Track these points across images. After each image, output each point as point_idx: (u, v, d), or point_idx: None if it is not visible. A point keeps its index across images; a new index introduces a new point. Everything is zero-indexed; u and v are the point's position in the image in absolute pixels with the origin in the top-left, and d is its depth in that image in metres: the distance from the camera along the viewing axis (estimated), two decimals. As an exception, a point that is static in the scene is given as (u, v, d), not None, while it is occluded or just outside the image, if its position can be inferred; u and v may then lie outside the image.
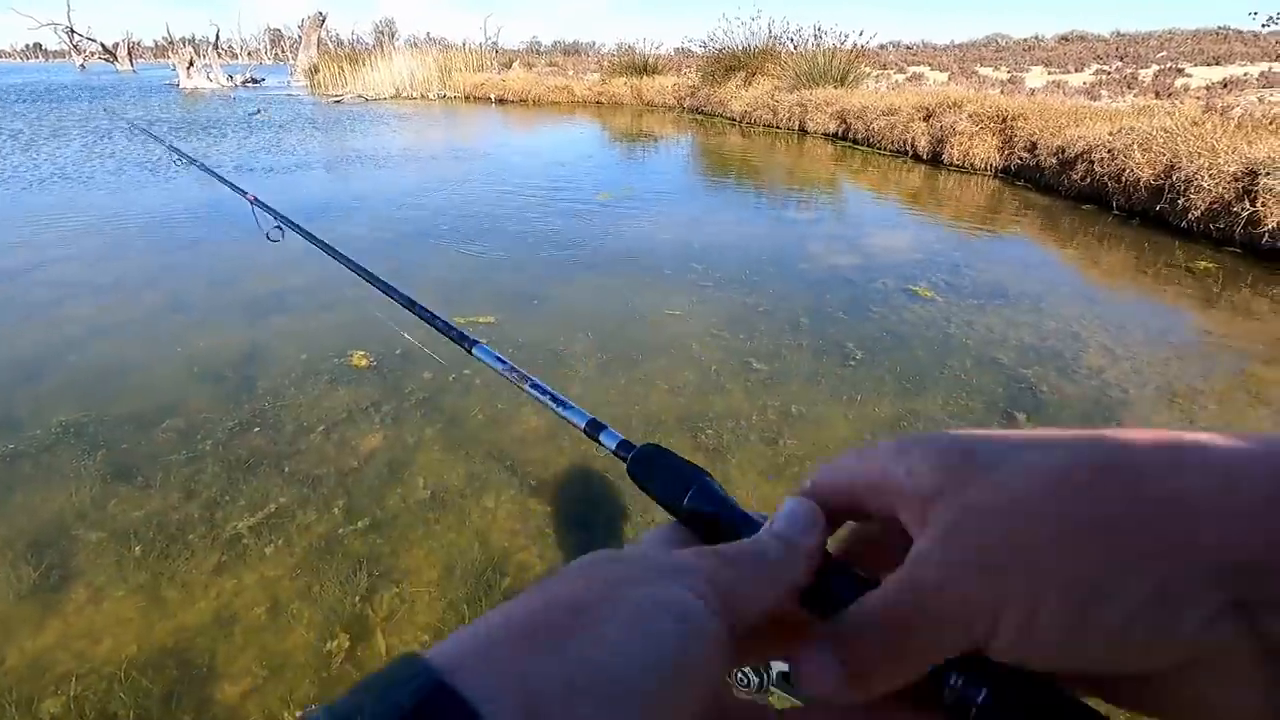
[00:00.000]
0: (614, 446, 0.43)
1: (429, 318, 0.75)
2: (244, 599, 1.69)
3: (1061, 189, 6.38)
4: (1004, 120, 7.45)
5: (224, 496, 2.05)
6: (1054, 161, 6.47)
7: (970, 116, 7.70)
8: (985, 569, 0.21)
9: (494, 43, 26.66)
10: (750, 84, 13.29)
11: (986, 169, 7.55)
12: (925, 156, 8.33)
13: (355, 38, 29.88)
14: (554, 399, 0.51)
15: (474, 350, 0.68)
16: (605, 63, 20.88)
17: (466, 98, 19.08)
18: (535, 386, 0.54)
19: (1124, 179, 5.52)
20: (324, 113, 14.83)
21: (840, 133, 10.34)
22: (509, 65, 22.29)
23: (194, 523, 1.94)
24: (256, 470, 2.17)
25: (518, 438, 2.39)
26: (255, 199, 1.46)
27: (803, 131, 11.20)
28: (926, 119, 8.44)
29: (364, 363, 2.87)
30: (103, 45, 39.30)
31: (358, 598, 1.70)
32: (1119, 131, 5.80)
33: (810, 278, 4.14)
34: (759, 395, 2.68)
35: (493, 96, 18.51)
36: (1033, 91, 13.00)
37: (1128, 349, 3.12)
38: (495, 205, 5.99)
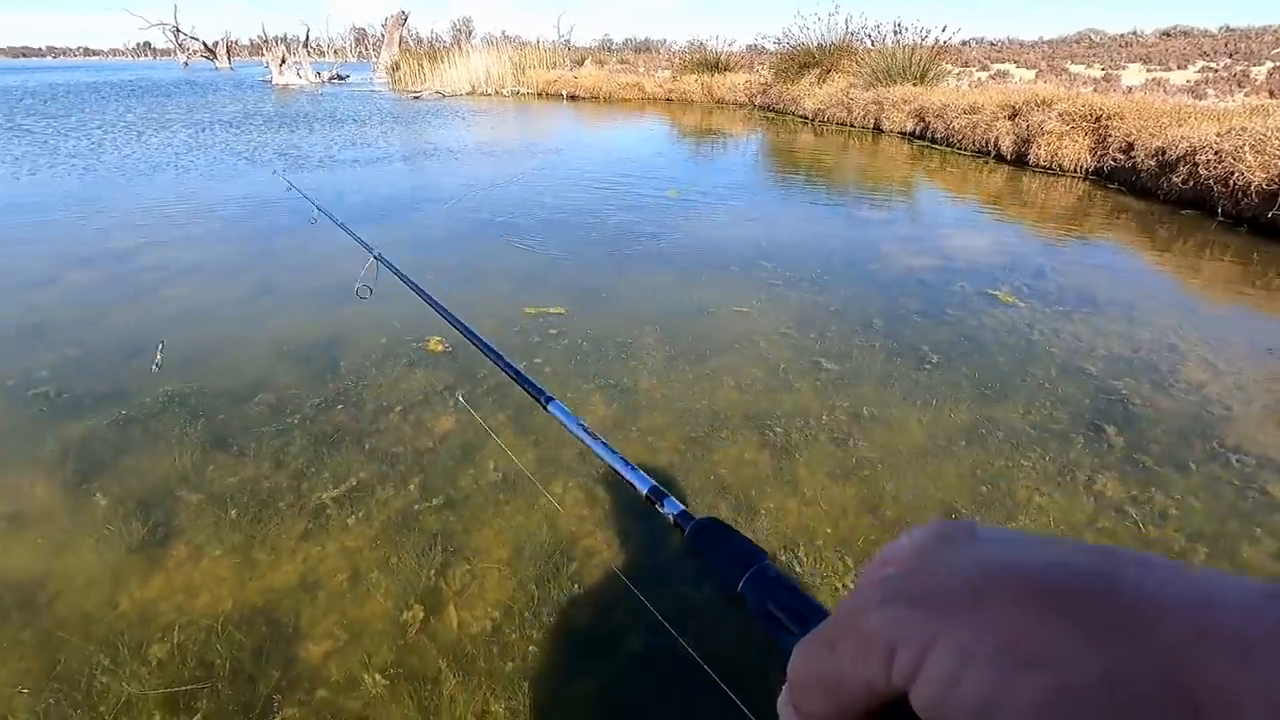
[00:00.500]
0: (674, 515, 0.43)
1: (510, 370, 0.77)
2: (327, 566, 1.78)
3: (1160, 193, 6.00)
4: (1098, 119, 7.07)
5: (310, 468, 2.16)
6: (1152, 163, 6.09)
7: (1060, 115, 7.33)
8: (928, 602, 0.19)
9: (566, 40, 27.01)
10: (824, 81, 13.03)
11: (1076, 170, 7.17)
12: (1009, 157, 7.99)
13: (434, 35, 30.82)
14: (622, 462, 0.53)
15: (549, 406, 0.69)
16: (676, 60, 20.87)
17: (539, 94, 19.42)
18: (604, 446, 0.56)
19: (1232, 183, 5.15)
20: (403, 108, 15.37)
21: (918, 131, 10.02)
22: (581, 63, 22.54)
23: (283, 491, 2.05)
24: (340, 445, 2.28)
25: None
26: (380, 255, 1.56)
27: (878, 130, 10.91)
28: (1012, 118, 8.09)
29: (439, 348, 2.97)
30: (204, 44, 41.85)
31: (432, 571, 1.76)
32: (1228, 132, 5.41)
33: (883, 278, 4.03)
34: (829, 395, 2.64)
35: (565, 93, 18.77)
36: (1130, 90, 12.28)
37: (1231, 363, 2.91)
38: (566, 199, 6.08)
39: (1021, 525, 1.94)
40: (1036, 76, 17.07)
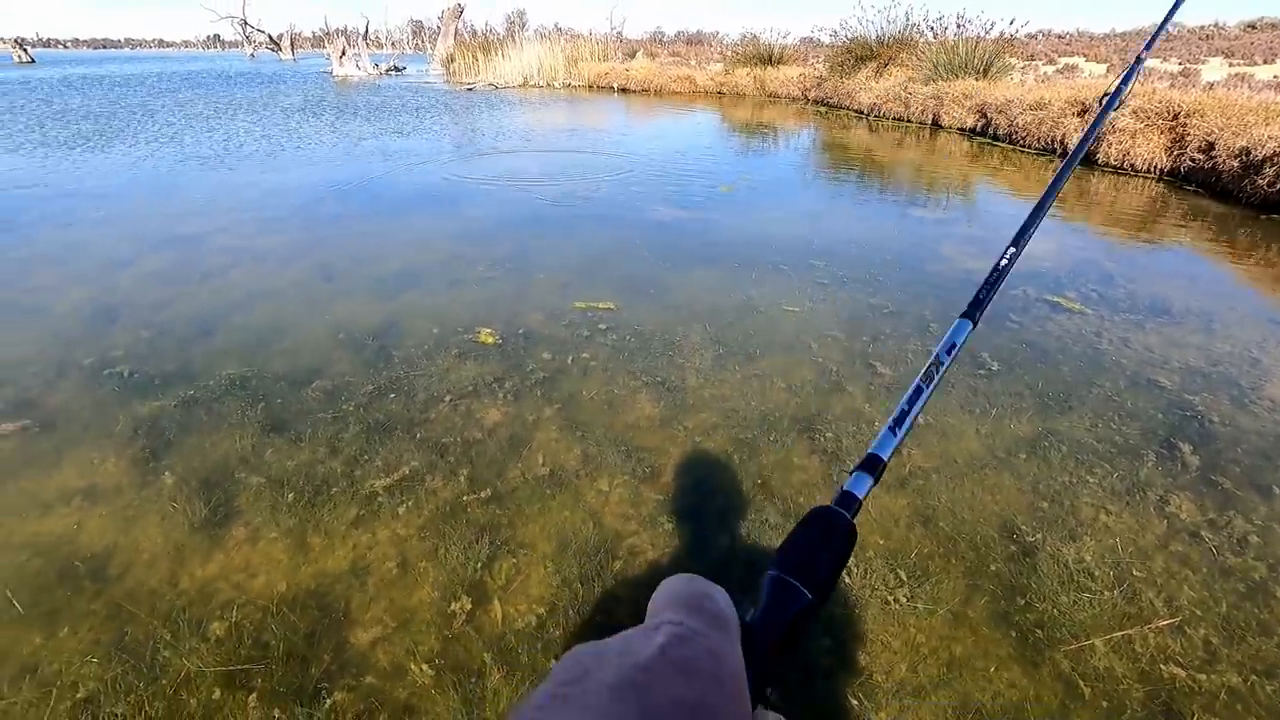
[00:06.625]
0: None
1: None
2: (377, 553, 1.82)
3: (1242, 196, 5.67)
4: (1175, 117, 6.71)
5: (363, 455, 2.20)
6: (1235, 164, 5.75)
7: (1134, 112, 6.98)
8: None
9: (618, 33, 26.97)
10: (881, 75, 12.70)
11: (1150, 171, 6.83)
12: (1076, 155, 7.64)
13: (488, 28, 31.15)
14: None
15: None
16: (728, 53, 20.62)
17: (590, 86, 19.44)
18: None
19: (1324, 187, 4.82)
20: (457, 100, 15.59)
21: (979, 128, 9.69)
22: (633, 55, 22.48)
23: (336, 477, 2.10)
24: (391, 433, 2.32)
25: (632, 424, 2.42)
26: None
27: (936, 126, 10.59)
28: (1081, 114, 7.74)
29: (490, 340, 3.00)
30: (269, 36, 43.28)
31: (479, 564, 1.78)
32: (1322, 132, 5.06)
33: (940, 280, 3.91)
34: (882, 400, 2.57)
35: (615, 85, 18.76)
36: (1210, 86, 11.62)
37: (1321, 381, 2.73)
38: (615, 193, 6.07)
39: (1086, 546, 1.85)
40: (1107, 71, 16.32)
